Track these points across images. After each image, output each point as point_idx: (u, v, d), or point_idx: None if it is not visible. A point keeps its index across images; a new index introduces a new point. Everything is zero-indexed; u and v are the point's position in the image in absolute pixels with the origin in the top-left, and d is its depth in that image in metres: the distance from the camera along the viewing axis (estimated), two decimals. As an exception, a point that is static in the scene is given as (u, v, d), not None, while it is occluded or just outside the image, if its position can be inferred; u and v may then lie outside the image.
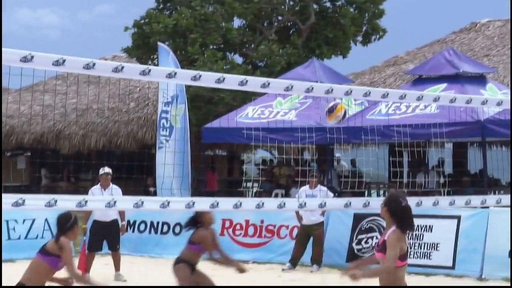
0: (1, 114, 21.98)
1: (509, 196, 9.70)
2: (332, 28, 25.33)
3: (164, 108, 17.92)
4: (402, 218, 6.34)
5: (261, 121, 18.81)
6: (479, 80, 17.55)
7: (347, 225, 13.94)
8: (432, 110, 16.92)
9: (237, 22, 26.08)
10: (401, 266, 6.37)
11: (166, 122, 17.77)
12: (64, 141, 24.73)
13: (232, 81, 6.92)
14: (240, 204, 6.80)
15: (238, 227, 14.98)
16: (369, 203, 8.02)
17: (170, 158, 16.62)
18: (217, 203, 6.69)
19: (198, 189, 19.62)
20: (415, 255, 13.00)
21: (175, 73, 6.73)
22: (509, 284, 11.66)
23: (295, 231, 14.23)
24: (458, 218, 12.89)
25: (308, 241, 13.84)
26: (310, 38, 25.58)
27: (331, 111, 12.13)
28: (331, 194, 14.04)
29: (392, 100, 14.63)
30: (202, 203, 6.88)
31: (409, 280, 12.41)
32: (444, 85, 17.20)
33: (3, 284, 9.45)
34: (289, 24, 26.60)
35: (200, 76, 6.74)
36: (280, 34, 25.77)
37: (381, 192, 20.78)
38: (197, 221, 8.89)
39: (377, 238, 13.60)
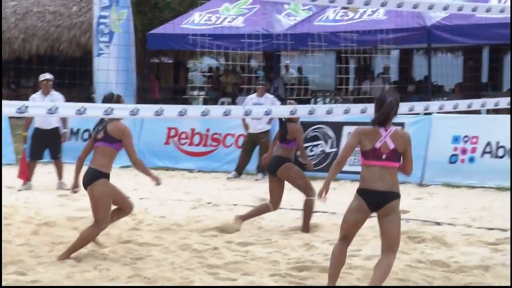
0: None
1: (452, 102, 9.91)
2: None
3: (101, 13, 17.59)
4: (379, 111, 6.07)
5: (208, 27, 18.71)
6: (426, -15, 17.55)
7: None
8: (380, 16, 16.99)
9: None
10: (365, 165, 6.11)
11: (105, 28, 17.49)
12: (3, 46, 24.29)
13: None
14: (185, 111, 6.78)
15: (183, 135, 15.05)
16: (314, 110, 8.08)
17: (113, 64, 16.45)
18: (162, 110, 6.66)
19: (143, 96, 19.57)
20: (356, 162, 13.23)
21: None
22: (449, 189, 12.07)
23: (241, 140, 14.36)
24: (402, 125, 13.13)
25: (254, 150, 13.99)
26: None
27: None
28: (278, 102, 14.11)
29: (339, 5, 14.65)
30: (147, 110, 6.86)
31: (352, 185, 12.72)
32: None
33: None
34: None
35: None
36: None
37: (327, 100, 20.92)
38: None
39: (322, 146, 13.82)
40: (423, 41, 16.96)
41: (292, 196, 9.91)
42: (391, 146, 6.03)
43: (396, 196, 6.02)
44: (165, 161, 14.98)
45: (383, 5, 9.45)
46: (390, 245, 6.08)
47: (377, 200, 6.01)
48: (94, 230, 7.47)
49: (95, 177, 7.31)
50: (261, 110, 8.59)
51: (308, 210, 9.10)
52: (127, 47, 17.23)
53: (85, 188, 7.37)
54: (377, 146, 6.03)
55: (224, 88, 21.09)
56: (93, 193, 7.30)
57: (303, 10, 18.68)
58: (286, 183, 9.21)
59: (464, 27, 15.82)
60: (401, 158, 6.12)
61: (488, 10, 10.39)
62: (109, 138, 7.37)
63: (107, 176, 7.37)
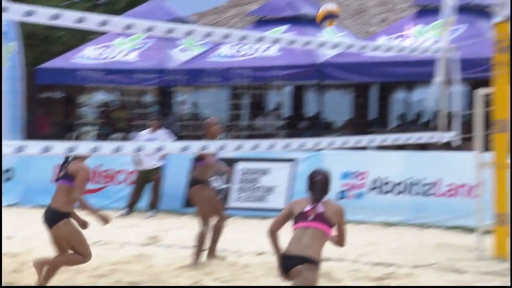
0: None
1: (342, 138, 10.16)
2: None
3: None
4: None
5: (100, 61, 18.61)
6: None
7: (184, 169, 14.00)
8: (273, 53, 17.26)
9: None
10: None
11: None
12: None
13: (68, 18, 6.72)
14: (75, 148, 6.71)
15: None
16: (207, 146, 8.08)
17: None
18: (51, 147, 6.55)
19: (32, 132, 19.22)
20: (250, 198, 13.40)
21: (5, 8, 6.48)
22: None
23: (133, 176, 14.28)
24: (294, 161, 13.36)
25: (146, 186, 13.95)
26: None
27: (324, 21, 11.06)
28: (171, 138, 14.13)
29: (233, 41, 14.84)
30: (34, 147, 6.73)
31: (244, 222, 12.83)
32: (286, 27, 17.55)
33: None
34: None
35: (33, 12, 6.53)
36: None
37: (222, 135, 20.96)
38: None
39: (215, 182, 13.87)
40: (314, 77, 17.29)
41: (183, 233, 9.93)
42: (320, 209, 6.14)
43: (305, 260, 5.94)
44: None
45: (275, 41, 9.69)
46: None
47: (284, 264, 6.04)
48: (79, 259, 7.58)
49: (57, 219, 7.42)
50: (152, 147, 8.59)
51: (199, 242, 9.12)
52: (13, 81, 16.90)
53: (49, 228, 7.45)
54: (305, 210, 6.14)
55: (116, 123, 20.90)
56: (60, 235, 7.43)
57: (197, 45, 18.78)
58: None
59: (353, 64, 16.22)
60: (333, 229, 6.21)
61: (376, 49, 10.79)
62: (68, 176, 7.49)
63: (67, 215, 7.47)
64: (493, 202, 9.60)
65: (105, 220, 7.69)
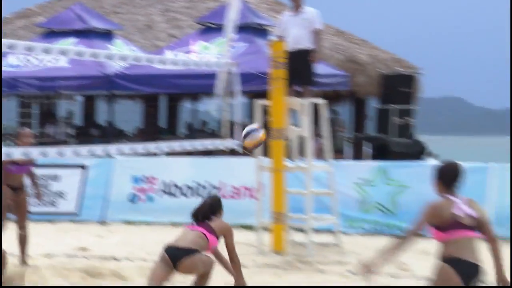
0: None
1: (131, 145, 10.32)
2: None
3: None
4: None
5: None
6: (107, 36, 18.05)
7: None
8: (63, 64, 17.13)
9: None
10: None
11: None
12: None
13: None
14: None
15: None
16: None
17: None
18: None
19: None
20: (40, 203, 13.25)
21: None
22: (129, 226, 12.43)
23: None
24: (85, 167, 13.36)
25: None
26: None
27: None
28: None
29: (19, 52, 14.51)
30: None
31: (35, 226, 12.63)
32: (74, 39, 17.45)
33: None
34: None
35: None
36: None
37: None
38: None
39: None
40: (105, 88, 17.35)
41: None
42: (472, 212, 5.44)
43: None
44: None
45: (63, 53, 9.68)
46: None
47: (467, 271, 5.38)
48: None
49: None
50: None
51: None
52: None
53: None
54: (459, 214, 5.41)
55: None
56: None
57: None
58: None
59: (142, 76, 16.46)
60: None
61: (162, 62, 11.09)
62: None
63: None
64: (271, 203, 10.12)
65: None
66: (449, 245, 5.36)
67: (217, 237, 7.09)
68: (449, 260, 5.34)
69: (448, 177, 5.47)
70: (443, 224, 5.35)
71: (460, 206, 5.38)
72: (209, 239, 6.99)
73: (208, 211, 7.28)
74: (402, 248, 5.38)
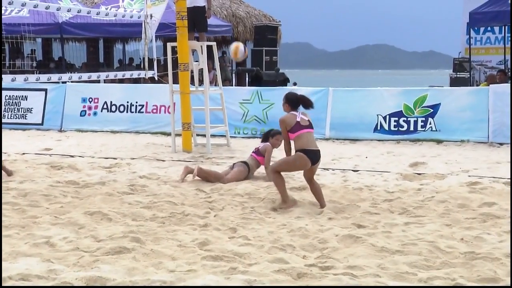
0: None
1: (78, 74, 9.84)
2: None
3: None
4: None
5: None
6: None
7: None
8: (25, 14, 16.15)
9: None
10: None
11: None
12: None
13: None
14: None
15: None
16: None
17: None
18: None
19: None
20: (14, 116, 12.62)
21: None
22: (80, 133, 11.98)
23: None
24: (46, 90, 12.73)
25: None
26: None
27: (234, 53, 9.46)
28: None
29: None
30: None
31: (10, 133, 12.04)
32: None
33: None
34: None
35: None
36: None
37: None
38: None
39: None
40: (57, 32, 16.59)
41: None
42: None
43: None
44: None
45: (23, 5, 9.04)
46: None
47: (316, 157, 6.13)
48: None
49: None
50: None
51: None
52: None
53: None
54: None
55: None
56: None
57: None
58: None
59: (85, 24, 15.77)
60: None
61: (98, 14, 10.55)
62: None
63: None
64: (181, 116, 9.95)
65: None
66: (297, 140, 5.90)
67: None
68: (302, 150, 5.89)
69: (291, 100, 6.08)
70: (291, 127, 5.93)
71: (299, 116, 6.01)
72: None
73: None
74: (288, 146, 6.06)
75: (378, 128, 10.81)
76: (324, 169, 7.98)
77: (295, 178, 7.23)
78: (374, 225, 5.42)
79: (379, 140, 10.60)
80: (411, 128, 10.65)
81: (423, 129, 10.58)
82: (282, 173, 6.12)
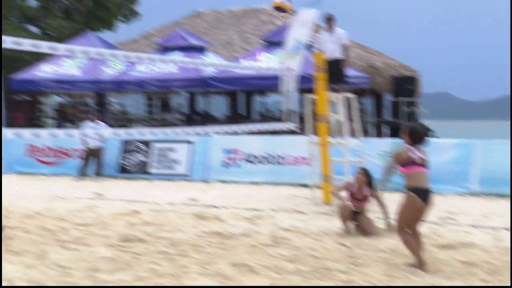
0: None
1: (222, 127, 10.27)
2: (103, 10, 24.85)
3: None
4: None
5: (54, 74, 18.09)
6: (201, 50, 18.08)
7: (117, 147, 13.85)
8: (173, 70, 17.25)
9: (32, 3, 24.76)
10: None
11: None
12: None
13: (27, 44, 6.33)
14: (38, 134, 6.42)
15: (38, 150, 14.39)
16: (131, 133, 7.98)
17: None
18: (20, 133, 6.19)
19: (10, 123, 18.35)
20: (163, 167, 13.36)
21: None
22: (223, 184, 12.36)
23: (82, 153, 13.90)
24: (191, 142, 13.39)
25: (91, 159, 13.63)
26: (88, 17, 24.76)
27: (282, 11, 10.09)
28: (108, 127, 13.82)
29: (145, 61, 14.82)
30: (8, 133, 6.33)
31: (159, 183, 12.73)
32: (180, 53, 17.55)
33: None
34: (72, 6, 25.66)
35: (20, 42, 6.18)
36: (67, 13, 24.71)
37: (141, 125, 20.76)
38: None
39: (139, 157, 13.69)
40: (202, 86, 17.48)
41: (119, 191, 9.59)
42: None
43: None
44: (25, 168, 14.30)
45: (172, 62, 9.68)
46: None
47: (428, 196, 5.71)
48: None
49: None
50: (92, 132, 8.51)
51: None
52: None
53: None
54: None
55: (67, 117, 20.28)
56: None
57: (120, 64, 18.50)
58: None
59: (227, 78, 16.51)
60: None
61: (240, 68, 11.01)
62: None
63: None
64: (320, 168, 9.97)
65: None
66: (410, 177, 5.55)
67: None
68: (413, 189, 5.54)
69: (417, 136, 5.68)
70: (403, 162, 5.58)
71: (414, 151, 5.60)
72: None
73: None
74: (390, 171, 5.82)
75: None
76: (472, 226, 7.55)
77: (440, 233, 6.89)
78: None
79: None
80: None
81: None
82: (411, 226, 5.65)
